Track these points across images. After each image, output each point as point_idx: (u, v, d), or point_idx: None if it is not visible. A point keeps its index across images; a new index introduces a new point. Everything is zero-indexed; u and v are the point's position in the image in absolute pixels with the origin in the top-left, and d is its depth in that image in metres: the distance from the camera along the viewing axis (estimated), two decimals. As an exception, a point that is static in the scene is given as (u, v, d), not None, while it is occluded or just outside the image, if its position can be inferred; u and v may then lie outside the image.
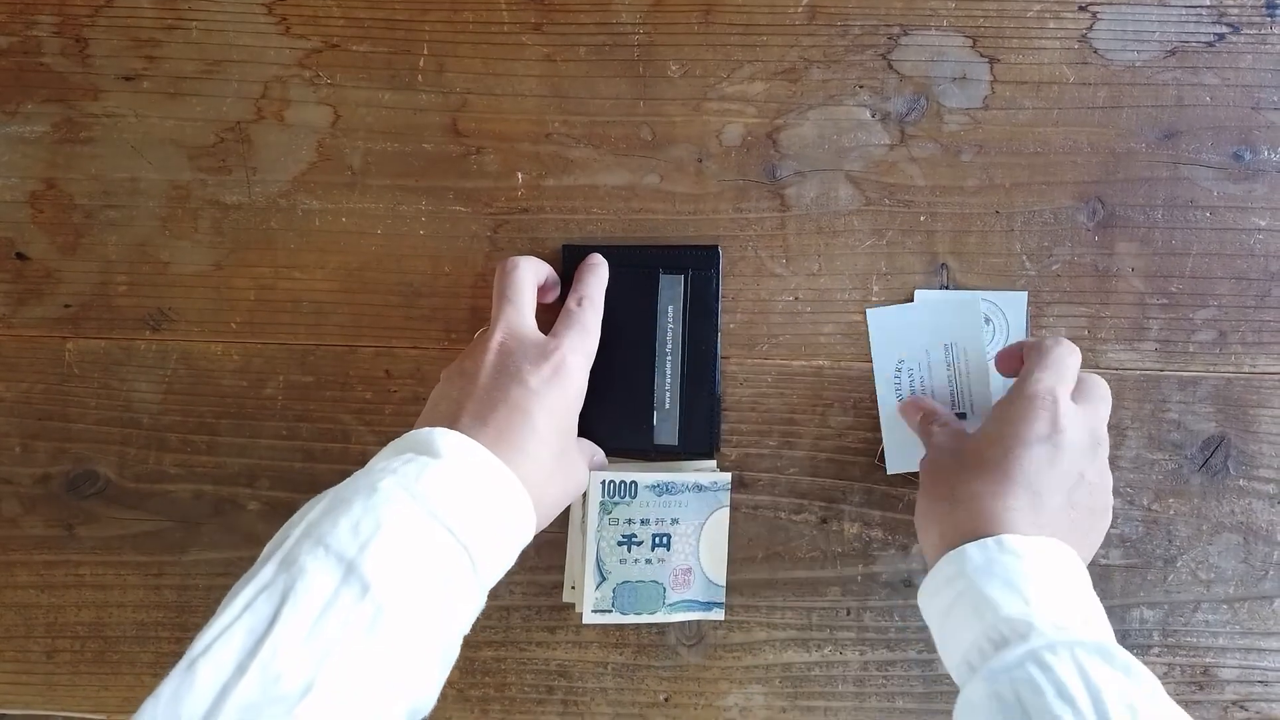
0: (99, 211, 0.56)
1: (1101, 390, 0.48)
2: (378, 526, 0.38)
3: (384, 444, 0.55)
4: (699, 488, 0.53)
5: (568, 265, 0.54)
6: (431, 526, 0.40)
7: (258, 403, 0.55)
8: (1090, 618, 0.41)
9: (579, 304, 0.50)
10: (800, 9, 0.55)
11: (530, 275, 0.50)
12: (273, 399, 0.55)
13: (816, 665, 0.55)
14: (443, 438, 0.43)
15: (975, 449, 0.46)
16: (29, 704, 0.56)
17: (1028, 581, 0.41)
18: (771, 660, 0.55)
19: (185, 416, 0.56)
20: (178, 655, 0.55)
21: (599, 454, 0.53)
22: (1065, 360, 0.47)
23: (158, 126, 0.56)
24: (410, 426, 0.54)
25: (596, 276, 0.52)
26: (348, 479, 0.42)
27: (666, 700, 0.55)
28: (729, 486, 0.54)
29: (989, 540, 0.42)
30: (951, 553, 0.43)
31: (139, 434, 0.56)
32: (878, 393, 0.54)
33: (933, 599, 0.44)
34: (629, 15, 0.55)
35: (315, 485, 0.55)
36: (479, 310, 0.55)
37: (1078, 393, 0.47)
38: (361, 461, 0.55)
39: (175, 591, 0.56)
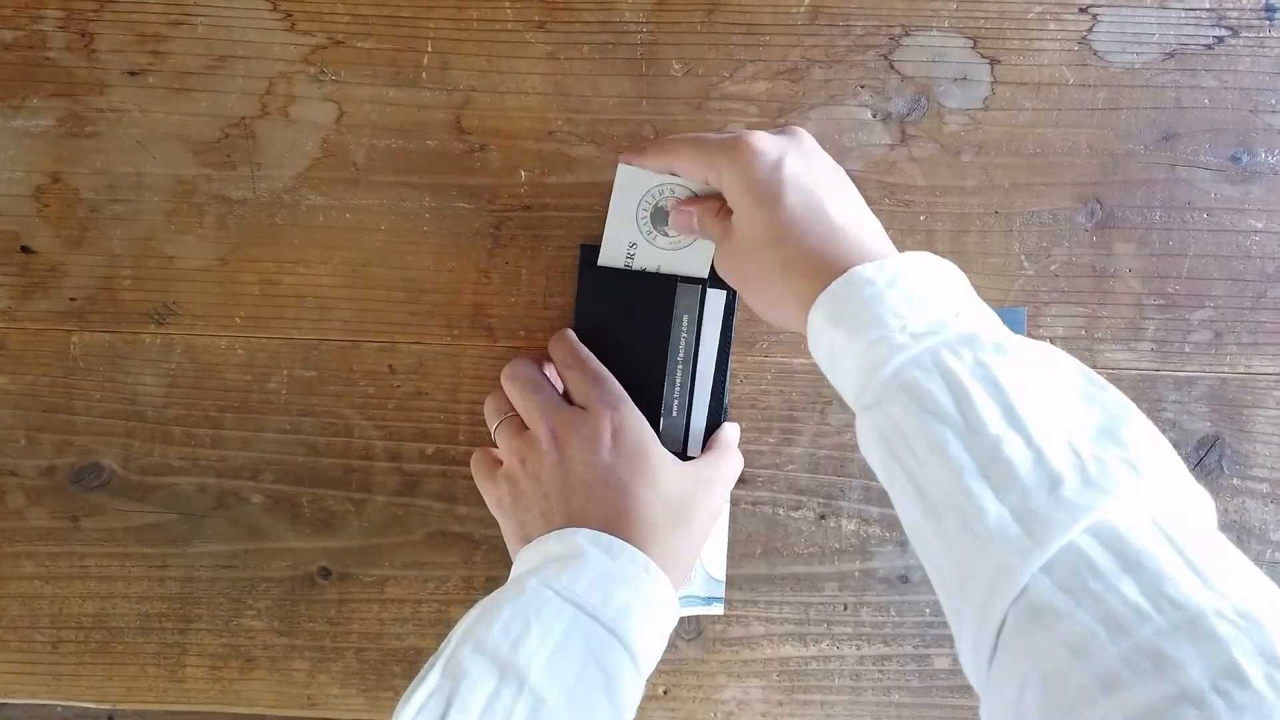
0: (104, 206, 0.56)
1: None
2: (527, 624, 0.41)
3: (387, 438, 0.56)
4: None
5: (583, 265, 0.54)
6: (577, 616, 0.41)
7: (262, 397, 0.56)
8: (960, 310, 0.39)
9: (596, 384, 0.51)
10: (802, 9, 0.55)
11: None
12: (276, 393, 0.56)
13: (814, 660, 0.55)
14: (574, 535, 0.45)
15: (747, 223, 0.45)
16: (34, 694, 0.57)
17: (882, 303, 0.39)
18: (769, 654, 0.56)
19: (189, 410, 0.56)
20: (181, 646, 0.56)
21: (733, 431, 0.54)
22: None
23: (163, 122, 0.56)
24: (412, 421, 0.55)
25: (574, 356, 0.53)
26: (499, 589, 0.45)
27: (665, 693, 0.56)
28: None
29: (835, 283, 0.41)
30: (811, 311, 0.42)
31: (143, 427, 0.56)
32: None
33: (819, 357, 0.43)
34: (632, 14, 0.55)
35: (318, 479, 0.56)
36: (481, 306, 0.55)
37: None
38: (364, 455, 0.56)
39: (179, 583, 0.56)
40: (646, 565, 0.45)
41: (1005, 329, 0.40)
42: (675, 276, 0.53)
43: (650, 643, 0.44)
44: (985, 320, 0.40)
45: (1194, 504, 0.34)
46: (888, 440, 0.37)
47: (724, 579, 0.55)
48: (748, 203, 0.45)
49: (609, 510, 0.46)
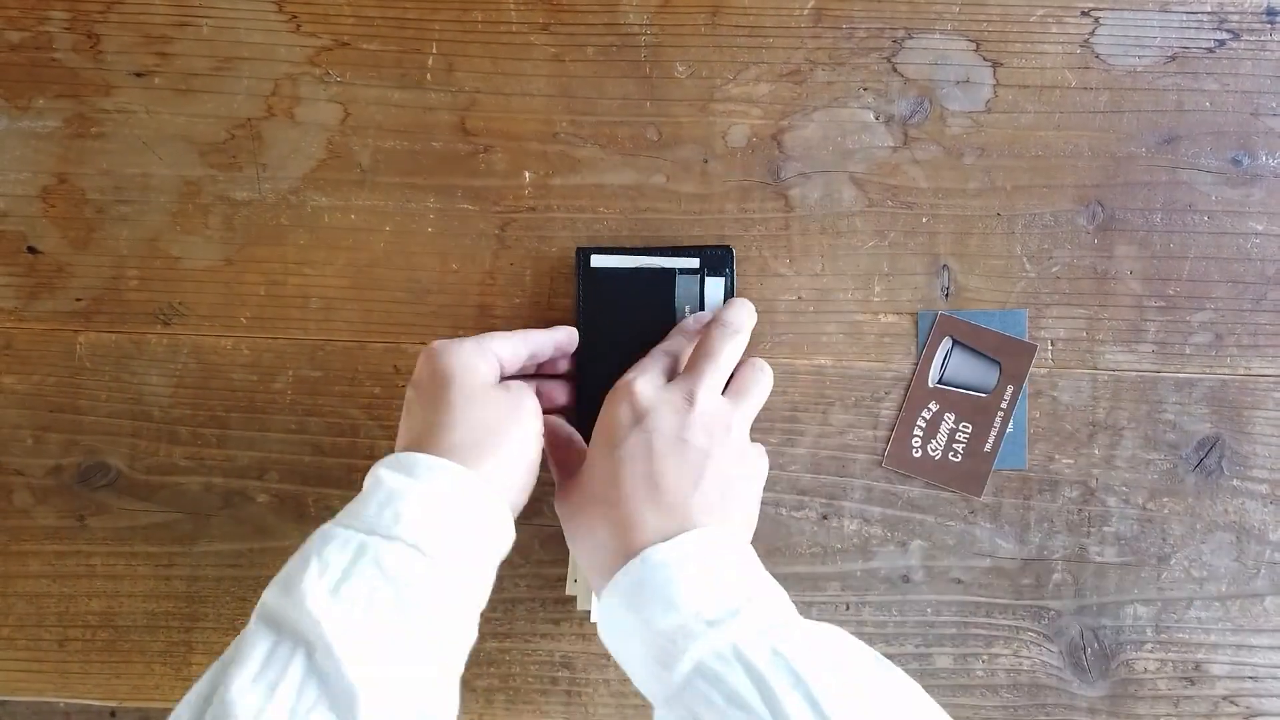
0: (110, 206, 0.56)
1: (750, 378, 0.48)
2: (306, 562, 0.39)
3: (392, 438, 0.56)
4: None
5: (581, 266, 0.54)
6: (350, 538, 0.40)
7: (267, 397, 0.56)
8: (752, 595, 0.40)
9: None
10: (806, 12, 0.55)
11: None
12: (282, 393, 0.56)
13: (816, 659, 0.56)
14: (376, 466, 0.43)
15: (588, 466, 0.46)
16: (41, 691, 0.57)
17: (676, 588, 0.39)
18: (772, 653, 0.56)
19: (195, 410, 0.56)
20: (187, 644, 0.56)
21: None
22: (675, 346, 0.49)
23: (169, 123, 0.56)
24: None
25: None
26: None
27: (668, 692, 0.56)
28: None
29: (630, 564, 0.41)
30: (605, 590, 0.42)
31: (150, 427, 0.56)
32: None
33: (609, 638, 0.43)
34: (636, 16, 0.55)
35: (324, 479, 0.56)
36: (486, 307, 0.56)
37: (732, 380, 0.48)
38: (370, 455, 0.56)
39: (185, 582, 0.57)
40: (429, 464, 0.42)
41: (793, 610, 0.40)
42: (674, 269, 0.54)
43: (444, 536, 0.40)
44: (777, 604, 0.41)
45: None
46: None
47: None
48: (596, 443, 0.46)
49: (412, 438, 0.45)
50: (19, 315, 0.57)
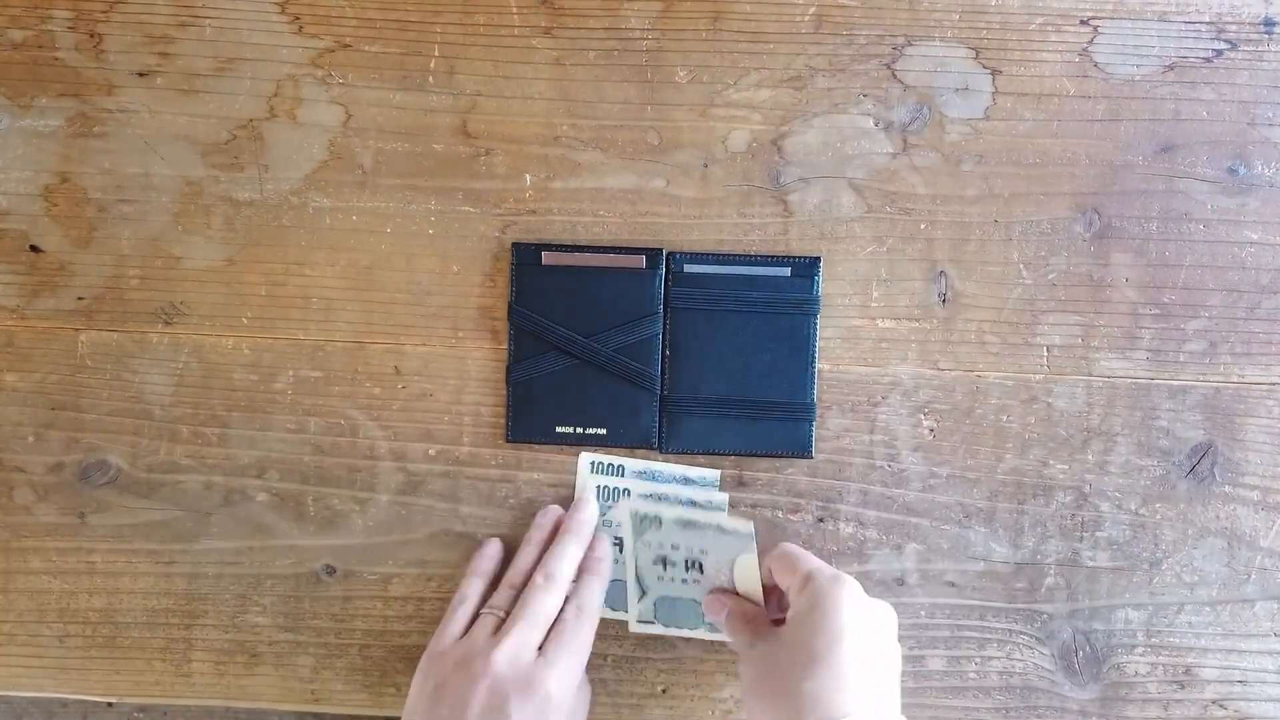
0: (112, 206, 0.56)
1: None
2: None
3: (391, 438, 0.56)
4: (721, 530, 0.53)
5: (518, 264, 0.55)
6: None
7: (268, 396, 0.57)
8: None
9: (577, 617, 0.51)
10: (807, 18, 0.55)
11: (565, 590, 0.52)
12: (283, 393, 0.57)
13: (810, 660, 0.56)
14: None
15: (799, 643, 0.47)
16: (41, 687, 0.57)
17: None
18: (767, 654, 0.56)
19: (196, 409, 0.57)
20: (187, 641, 0.57)
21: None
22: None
23: (171, 123, 0.56)
24: (416, 422, 0.56)
25: (600, 582, 0.54)
26: None
27: (664, 692, 0.57)
28: (751, 533, 0.52)
29: None
30: None
31: (151, 425, 0.57)
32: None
33: None
34: (638, 21, 0.56)
35: (324, 478, 0.56)
36: (486, 309, 0.56)
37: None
38: (369, 455, 0.56)
39: (185, 579, 0.57)
40: None
41: None
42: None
43: None
44: None
45: None
46: None
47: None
48: (823, 628, 0.46)
49: None
50: (21, 313, 0.57)
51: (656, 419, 0.55)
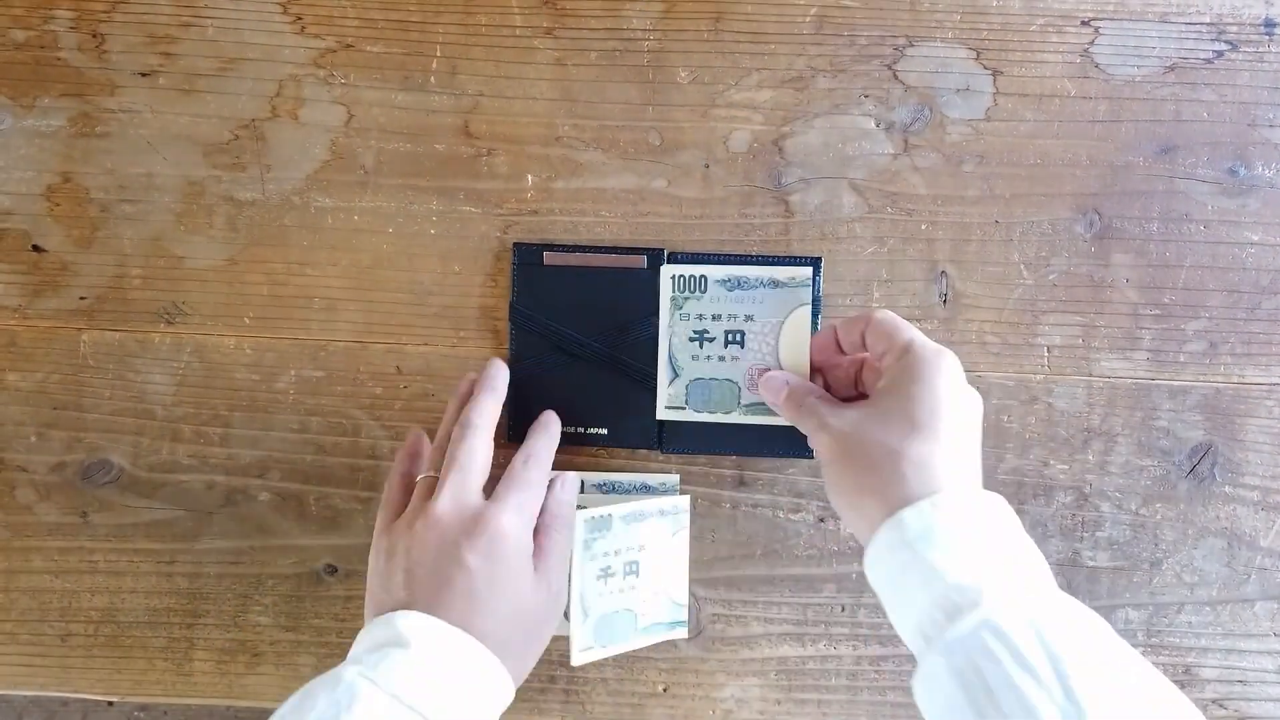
0: (114, 206, 0.57)
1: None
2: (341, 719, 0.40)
3: (394, 438, 0.56)
4: (661, 513, 0.54)
5: (519, 264, 0.55)
6: (398, 711, 0.41)
7: (270, 396, 0.57)
8: (1033, 565, 0.41)
9: (524, 463, 0.50)
10: (808, 19, 0.56)
11: (489, 435, 0.50)
12: (284, 393, 0.57)
13: (811, 659, 0.56)
14: (404, 621, 0.44)
15: (898, 410, 0.45)
16: (43, 685, 0.58)
17: (969, 543, 0.41)
18: (767, 654, 0.57)
19: (198, 408, 0.57)
20: (189, 640, 0.57)
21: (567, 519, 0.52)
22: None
23: (173, 123, 0.56)
24: (418, 422, 0.56)
25: (548, 436, 0.52)
26: (321, 675, 0.43)
27: (665, 691, 0.57)
28: (687, 509, 0.54)
29: (923, 503, 0.42)
30: (890, 520, 0.42)
31: (153, 425, 0.57)
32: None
33: (876, 568, 0.44)
34: (640, 21, 0.56)
35: (325, 478, 0.57)
36: (488, 309, 0.56)
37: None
38: (371, 455, 0.57)
39: (187, 579, 0.57)
40: (479, 653, 0.44)
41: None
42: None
43: (441, 699, 0.42)
44: (1048, 574, 0.42)
45: None
46: (968, 688, 0.38)
47: (685, 603, 0.55)
48: (925, 397, 0.45)
49: (456, 608, 0.45)
50: (23, 313, 0.57)
51: (657, 419, 0.55)
